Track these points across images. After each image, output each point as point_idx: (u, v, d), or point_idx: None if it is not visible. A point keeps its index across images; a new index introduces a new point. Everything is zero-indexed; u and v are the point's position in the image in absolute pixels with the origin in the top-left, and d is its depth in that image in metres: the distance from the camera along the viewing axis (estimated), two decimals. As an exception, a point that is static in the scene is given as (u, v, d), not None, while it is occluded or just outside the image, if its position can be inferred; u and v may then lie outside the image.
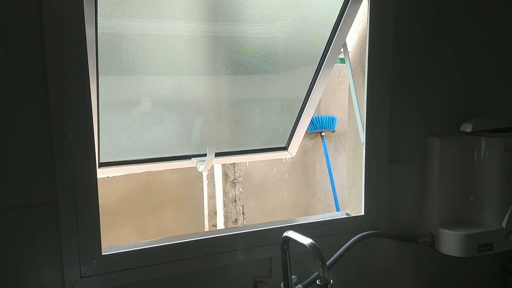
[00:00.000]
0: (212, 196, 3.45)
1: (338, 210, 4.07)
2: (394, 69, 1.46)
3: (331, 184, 4.13)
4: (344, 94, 4.22)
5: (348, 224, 1.47)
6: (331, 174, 4.13)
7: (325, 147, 4.16)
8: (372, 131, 1.45)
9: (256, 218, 3.76)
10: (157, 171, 3.36)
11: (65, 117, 1.08)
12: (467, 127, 1.50)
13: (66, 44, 1.07)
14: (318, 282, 1.07)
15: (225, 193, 3.32)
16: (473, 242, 1.44)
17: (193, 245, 1.28)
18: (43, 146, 1.08)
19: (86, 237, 1.13)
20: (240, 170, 3.41)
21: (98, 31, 1.24)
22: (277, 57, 1.65)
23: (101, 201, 1.16)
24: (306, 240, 1.10)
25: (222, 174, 3.32)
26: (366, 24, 1.45)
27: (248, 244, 1.34)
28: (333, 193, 4.11)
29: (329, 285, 1.06)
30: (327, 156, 4.15)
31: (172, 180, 3.51)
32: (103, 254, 1.16)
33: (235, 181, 3.34)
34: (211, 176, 3.43)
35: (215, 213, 3.45)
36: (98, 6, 1.18)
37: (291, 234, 1.15)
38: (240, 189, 3.38)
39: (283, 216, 4.01)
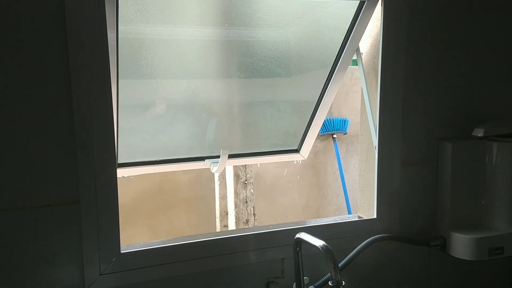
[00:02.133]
0: (223, 197, 3.48)
1: (349, 212, 4.08)
2: (407, 73, 1.47)
3: (343, 186, 4.14)
4: (357, 96, 4.23)
5: (360, 227, 1.48)
6: (343, 176, 4.14)
7: (337, 149, 4.18)
8: (385, 134, 1.47)
9: (267, 219, 3.78)
10: (170, 172, 3.40)
11: (88, 118, 1.12)
12: (479, 132, 1.51)
13: (88, 48, 1.10)
14: (330, 284, 1.09)
15: (236, 194, 3.35)
16: (484, 245, 1.45)
17: (209, 244, 1.31)
18: (66, 147, 1.12)
19: (106, 236, 1.17)
20: (252, 171, 3.44)
21: (119, 36, 1.28)
22: (290, 61, 1.68)
23: None
24: (318, 242, 1.12)
25: (234, 175, 3.35)
26: (379, 29, 1.47)
27: (261, 245, 1.37)
28: (345, 196, 4.12)
29: (341, 286, 1.08)
30: (339, 158, 4.16)
31: (184, 180, 3.55)
32: (121, 252, 1.19)
33: (246, 182, 3.37)
34: (222, 177, 3.47)
35: (227, 214, 3.49)
36: (119, 12, 1.22)
37: (304, 235, 1.18)
38: (252, 190, 3.40)
39: (293, 217, 4.04)
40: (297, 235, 1.19)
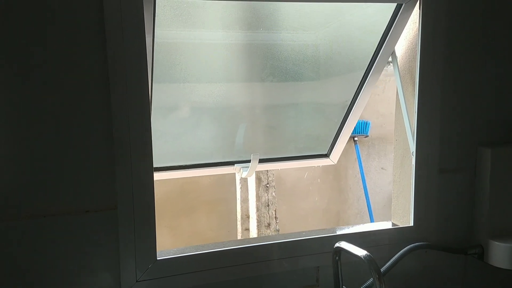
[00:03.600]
0: (245, 200, 3.46)
1: (371, 216, 4.03)
2: (445, 77, 1.43)
3: (364, 190, 4.09)
4: (378, 99, 4.18)
5: (396, 235, 1.45)
6: (364, 179, 4.09)
7: (358, 152, 4.13)
8: (423, 140, 1.43)
9: (288, 223, 3.75)
10: (191, 174, 3.39)
11: (126, 124, 1.10)
12: (521, 138, 1.46)
13: (128, 52, 1.09)
14: (373, 294, 1.06)
15: (258, 197, 3.33)
16: (525, 255, 1.41)
17: (244, 251, 1.29)
18: (104, 152, 1.11)
19: (142, 242, 1.15)
20: (273, 174, 3.41)
21: (155, 40, 1.26)
22: (320, 64, 1.65)
23: None
24: (360, 252, 1.09)
25: (255, 178, 3.33)
26: (415, 32, 1.43)
27: (295, 252, 1.34)
28: (366, 200, 4.07)
29: (384, 297, 1.05)
30: (360, 161, 4.12)
31: (206, 183, 3.54)
32: (158, 259, 1.18)
33: (268, 185, 3.34)
34: (244, 180, 3.45)
35: (248, 217, 3.46)
36: (156, 17, 1.21)
37: (344, 245, 1.15)
38: (273, 193, 3.38)
39: (314, 221, 4.00)
40: (337, 244, 1.16)
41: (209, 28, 1.41)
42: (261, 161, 1.79)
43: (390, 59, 1.62)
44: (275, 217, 3.38)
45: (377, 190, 4.24)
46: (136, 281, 1.16)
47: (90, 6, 1.05)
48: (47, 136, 1.06)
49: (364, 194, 4.10)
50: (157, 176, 1.67)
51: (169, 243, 3.41)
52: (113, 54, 1.08)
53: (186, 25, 1.32)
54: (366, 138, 4.22)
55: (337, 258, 1.19)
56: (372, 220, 4.08)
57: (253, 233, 3.35)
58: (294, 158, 1.85)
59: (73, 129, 1.08)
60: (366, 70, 1.63)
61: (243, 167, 1.72)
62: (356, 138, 4.17)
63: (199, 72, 1.51)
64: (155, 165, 1.63)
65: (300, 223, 3.89)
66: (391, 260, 1.34)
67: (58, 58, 1.05)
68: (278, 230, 3.40)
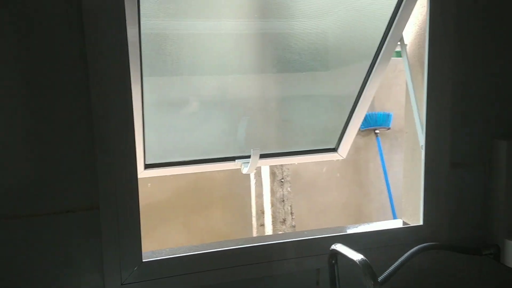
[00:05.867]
0: (259, 195, 3.40)
1: (393, 211, 3.90)
2: (457, 65, 1.32)
3: (386, 185, 3.96)
4: (400, 89, 4.02)
5: (404, 235, 1.35)
6: (386, 173, 3.96)
7: (380, 146, 4.00)
8: (432, 132, 1.33)
9: (306, 219, 3.67)
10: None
11: (107, 121, 1.05)
12: (542, 129, 1.34)
13: (106, 46, 1.03)
14: (370, 301, 0.98)
15: (272, 192, 3.26)
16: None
17: (238, 252, 1.22)
18: (85, 151, 1.06)
19: (127, 243, 1.10)
20: (288, 169, 3.34)
21: (142, 31, 1.20)
22: (327, 53, 1.56)
23: (151, 199, 1.13)
24: (356, 256, 1.01)
25: (270, 173, 3.26)
26: (425, 17, 1.32)
27: (295, 253, 1.27)
28: (389, 194, 3.94)
29: (382, 304, 0.96)
30: (382, 154, 3.98)
31: (220, 178, 3.50)
32: (143, 261, 1.13)
33: (283, 180, 3.27)
34: (258, 175, 3.39)
35: (263, 213, 3.40)
36: (141, 6, 1.15)
37: (340, 247, 1.07)
38: (288, 188, 3.30)
39: (333, 216, 3.91)
40: (333, 247, 1.08)
41: (204, 16, 1.34)
42: (266, 156, 1.72)
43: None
44: (291, 213, 3.30)
45: (400, 184, 4.09)
46: (122, 284, 1.11)
47: (66, -4, 1.00)
48: (23, 134, 1.02)
49: (386, 189, 3.97)
50: (156, 172, 1.62)
51: (185, 239, 3.39)
52: (92, 48, 1.02)
53: (174, 14, 1.26)
54: (388, 130, 4.08)
55: (333, 261, 1.11)
56: (394, 215, 3.95)
57: (268, 229, 3.29)
58: (300, 153, 1.77)
59: (52, 127, 1.03)
60: (373, 58, 1.54)
61: (244, 163, 1.65)
62: (377, 131, 4.04)
63: (196, 64, 1.45)
64: (153, 162, 1.60)
65: (318, 218, 3.80)
66: (396, 263, 1.24)
67: (32, 51, 1.00)
68: (294, 226, 3.32)
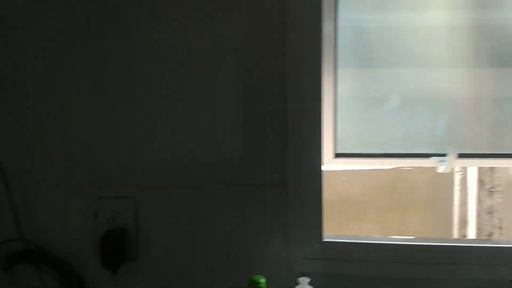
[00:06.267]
0: (463, 203, 3.11)
1: None
2: None
3: None
4: None
5: None
6: None
7: None
8: None
9: (518, 235, 3.20)
10: (405, 169, 3.26)
11: (299, 107, 1.16)
12: None
13: (305, 38, 1.14)
14: None
15: (479, 201, 2.94)
16: None
17: (422, 250, 1.20)
18: (280, 134, 1.19)
19: (310, 222, 1.20)
20: (501, 177, 2.96)
21: (338, 24, 1.27)
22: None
23: (346, 194, 1.21)
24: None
25: (477, 180, 2.95)
26: None
27: (486, 261, 1.17)
28: None
29: None
30: None
31: (421, 180, 3.33)
32: (324, 240, 1.20)
33: (492, 189, 2.92)
34: (463, 181, 3.10)
35: (466, 223, 3.10)
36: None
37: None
38: (499, 199, 2.93)
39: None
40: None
41: (414, 7, 1.34)
42: (470, 156, 1.59)
43: None
44: (500, 227, 2.93)
45: None
46: (303, 258, 1.21)
47: None
48: (238, 123, 1.21)
49: None
50: (346, 162, 1.66)
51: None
52: (290, 43, 1.14)
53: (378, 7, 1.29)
54: None
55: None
56: None
57: (471, 241, 2.98)
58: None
59: (254, 114, 1.20)
60: None
61: (440, 161, 1.56)
62: None
63: (403, 57, 1.45)
64: (343, 152, 1.65)
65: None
66: None
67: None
68: (502, 242, 2.93)
